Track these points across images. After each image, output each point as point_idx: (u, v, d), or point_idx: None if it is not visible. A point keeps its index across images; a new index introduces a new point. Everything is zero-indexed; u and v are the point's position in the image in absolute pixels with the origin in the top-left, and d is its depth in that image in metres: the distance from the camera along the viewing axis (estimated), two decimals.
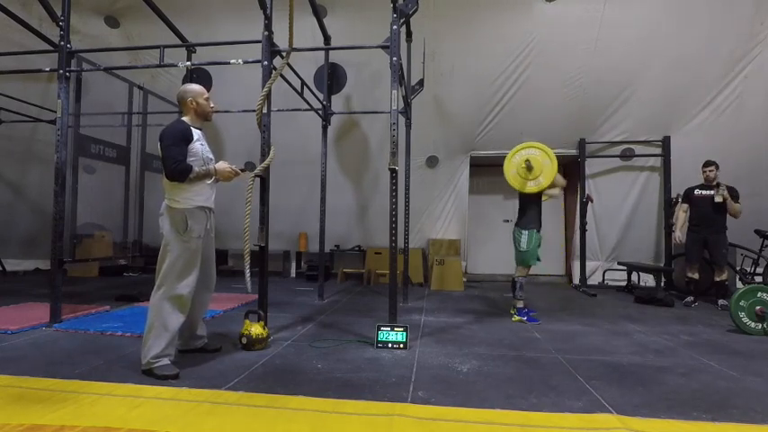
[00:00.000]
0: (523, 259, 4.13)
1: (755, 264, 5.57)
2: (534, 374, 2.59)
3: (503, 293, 5.15)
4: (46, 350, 2.92)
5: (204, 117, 2.74)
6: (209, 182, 2.67)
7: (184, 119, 2.69)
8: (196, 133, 2.64)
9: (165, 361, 2.48)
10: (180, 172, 2.49)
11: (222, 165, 2.68)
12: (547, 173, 3.47)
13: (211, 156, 2.74)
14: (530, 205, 4.10)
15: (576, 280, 6.60)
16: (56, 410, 1.96)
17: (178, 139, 2.53)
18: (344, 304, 4.90)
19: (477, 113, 6.17)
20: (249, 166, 6.60)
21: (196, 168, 2.55)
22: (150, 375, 2.43)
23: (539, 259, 4.17)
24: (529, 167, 3.40)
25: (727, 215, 4.89)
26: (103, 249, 5.98)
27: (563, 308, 4.86)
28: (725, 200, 4.79)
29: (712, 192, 4.91)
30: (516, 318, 4.13)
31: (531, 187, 3.46)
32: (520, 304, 4.18)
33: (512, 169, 3.52)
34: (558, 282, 7.13)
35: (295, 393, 2.21)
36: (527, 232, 4.07)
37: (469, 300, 5.31)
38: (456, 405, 2.10)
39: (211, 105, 2.75)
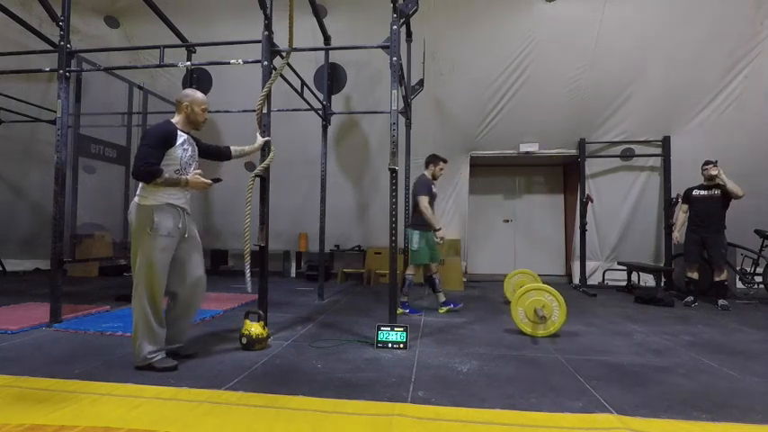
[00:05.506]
0: (413, 258, 4.30)
1: (755, 264, 5.57)
2: (534, 374, 2.58)
3: (503, 293, 5.16)
4: (46, 350, 2.92)
5: (194, 126, 2.71)
6: (179, 188, 2.58)
7: (174, 120, 2.65)
8: (181, 137, 2.58)
9: (162, 354, 2.52)
10: (146, 173, 2.42)
11: (195, 177, 2.60)
12: (558, 315, 3.49)
13: (193, 161, 2.68)
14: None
15: (576, 280, 6.60)
16: (56, 410, 1.96)
17: (159, 141, 2.47)
18: (344, 304, 4.90)
19: (478, 113, 6.17)
20: (249, 167, 6.62)
21: (166, 174, 2.47)
22: (150, 369, 2.45)
23: (435, 259, 4.34)
24: (542, 318, 3.43)
25: (726, 214, 4.89)
26: (103, 249, 5.96)
27: None
28: (718, 175, 4.81)
29: (711, 192, 4.93)
30: (443, 309, 4.37)
31: (542, 331, 3.49)
32: (442, 298, 4.39)
33: (520, 315, 3.52)
34: (559, 282, 7.13)
35: (295, 393, 2.21)
36: (417, 232, 4.25)
37: (469, 300, 5.30)
38: (456, 405, 2.09)
39: (204, 118, 2.72)
